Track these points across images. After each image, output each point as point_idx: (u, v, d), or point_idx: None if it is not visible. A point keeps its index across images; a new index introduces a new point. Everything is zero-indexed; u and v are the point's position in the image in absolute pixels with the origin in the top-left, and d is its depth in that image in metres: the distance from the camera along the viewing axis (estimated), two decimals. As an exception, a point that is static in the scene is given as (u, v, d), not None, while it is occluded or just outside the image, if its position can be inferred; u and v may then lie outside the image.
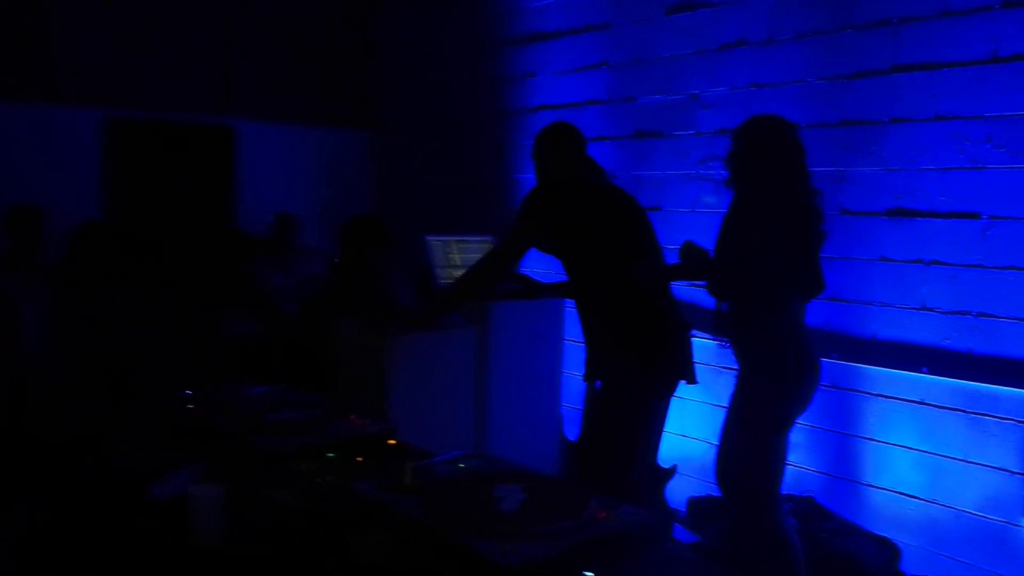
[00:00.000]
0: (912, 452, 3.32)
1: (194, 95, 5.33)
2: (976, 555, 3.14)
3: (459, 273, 3.71)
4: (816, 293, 2.78)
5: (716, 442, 2.97)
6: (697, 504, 3.59)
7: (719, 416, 2.97)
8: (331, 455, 1.99)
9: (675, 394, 3.00)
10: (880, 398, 3.41)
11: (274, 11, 5.72)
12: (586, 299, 2.83)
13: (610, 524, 1.52)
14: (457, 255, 3.81)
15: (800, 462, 3.46)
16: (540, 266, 3.79)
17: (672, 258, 3.08)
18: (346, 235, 3.69)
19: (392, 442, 2.12)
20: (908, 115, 3.32)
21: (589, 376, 2.79)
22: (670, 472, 3.32)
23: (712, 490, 3.78)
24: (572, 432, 3.87)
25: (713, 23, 3.98)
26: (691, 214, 4.10)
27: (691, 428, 4.01)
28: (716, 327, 2.87)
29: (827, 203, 2.91)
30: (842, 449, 3.53)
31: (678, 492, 3.65)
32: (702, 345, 3.75)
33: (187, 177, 5.19)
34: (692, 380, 2.87)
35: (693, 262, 2.87)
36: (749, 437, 2.78)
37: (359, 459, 1.97)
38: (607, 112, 4.50)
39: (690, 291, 2.93)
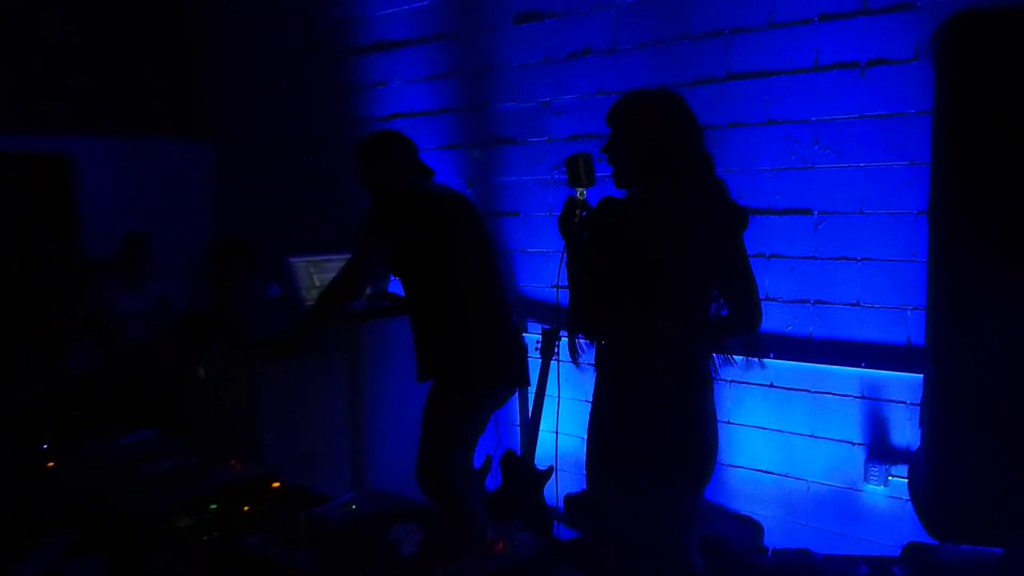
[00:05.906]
0: (765, 431, 3.57)
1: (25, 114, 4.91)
2: (825, 520, 3.43)
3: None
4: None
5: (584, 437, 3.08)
6: (573, 500, 3.71)
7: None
8: (214, 507, 1.92)
9: (503, 399, 3.10)
10: (735, 384, 3.65)
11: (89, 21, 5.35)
12: (419, 312, 2.89)
13: (508, 555, 1.57)
14: (318, 275, 3.72)
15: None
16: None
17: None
18: (216, 260, 3.53)
19: (276, 484, 2.07)
20: (744, 120, 3.54)
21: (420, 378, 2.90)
22: (548, 473, 3.41)
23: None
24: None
25: (560, 33, 4.08)
26: (548, 218, 4.20)
27: (564, 425, 4.12)
28: None
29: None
30: (703, 434, 3.74)
31: (554, 489, 3.74)
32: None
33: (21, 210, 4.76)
34: (524, 384, 3.01)
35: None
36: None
37: (246, 508, 1.92)
38: (461, 120, 4.54)
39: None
